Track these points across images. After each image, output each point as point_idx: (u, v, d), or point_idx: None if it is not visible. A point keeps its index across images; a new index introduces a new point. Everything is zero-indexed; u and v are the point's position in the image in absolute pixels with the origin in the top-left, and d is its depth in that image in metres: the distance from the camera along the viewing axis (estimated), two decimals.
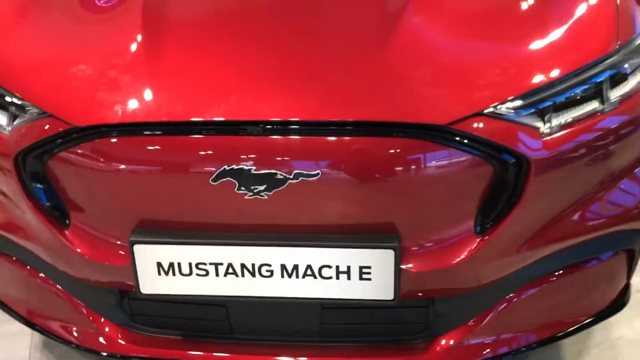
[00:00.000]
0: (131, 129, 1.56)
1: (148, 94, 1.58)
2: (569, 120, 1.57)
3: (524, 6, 1.76)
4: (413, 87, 1.56)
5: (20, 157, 1.64)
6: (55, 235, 1.69)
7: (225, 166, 1.52)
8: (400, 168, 1.52)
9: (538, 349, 1.89)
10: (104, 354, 1.88)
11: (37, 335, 2.23)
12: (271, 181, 1.52)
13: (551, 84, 1.56)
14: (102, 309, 1.85)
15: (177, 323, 1.85)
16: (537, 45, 1.64)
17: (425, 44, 1.66)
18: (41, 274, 1.86)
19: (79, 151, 1.58)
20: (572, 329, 1.85)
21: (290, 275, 1.62)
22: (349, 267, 1.60)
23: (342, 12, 1.76)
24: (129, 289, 1.73)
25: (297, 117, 1.52)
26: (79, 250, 1.68)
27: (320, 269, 1.61)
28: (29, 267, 1.87)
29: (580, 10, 1.72)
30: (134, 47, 1.68)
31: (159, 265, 1.64)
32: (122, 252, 1.67)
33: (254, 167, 1.51)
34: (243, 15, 1.78)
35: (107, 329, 1.86)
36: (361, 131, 1.52)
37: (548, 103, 1.56)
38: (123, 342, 1.86)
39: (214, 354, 1.84)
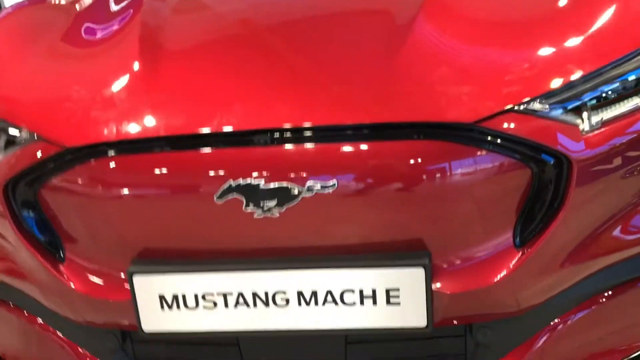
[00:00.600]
0: (127, 146, 1.47)
1: (145, 109, 1.50)
2: (611, 116, 1.45)
3: None
4: (434, 86, 1.45)
5: (10, 185, 1.56)
6: (49, 270, 1.58)
7: (231, 181, 1.40)
8: (426, 175, 1.39)
9: None
10: None
11: None
12: (282, 196, 1.39)
13: (587, 77, 1.45)
14: (103, 355, 1.70)
15: None
16: (570, 38, 1.52)
17: (444, 42, 1.56)
18: (39, 320, 1.74)
19: (73, 176, 1.49)
20: (632, 356, 1.65)
21: (308, 303, 1.47)
22: (374, 291, 1.45)
23: (353, 15, 1.69)
24: (131, 329, 1.60)
25: (308, 122, 1.41)
26: (74, 286, 1.56)
27: (342, 295, 1.46)
28: (27, 313, 1.75)
29: None
30: (130, 63, 1.61)
31: (162, 298, 1.51)
32: (122, 286, 1.55)
33: (263, 181, 1.39)
34: (246, 28, 1.72)
35: None
36: (380, 135, 1.40)
37: (585, 98, 1.44)
38: None
39: None
